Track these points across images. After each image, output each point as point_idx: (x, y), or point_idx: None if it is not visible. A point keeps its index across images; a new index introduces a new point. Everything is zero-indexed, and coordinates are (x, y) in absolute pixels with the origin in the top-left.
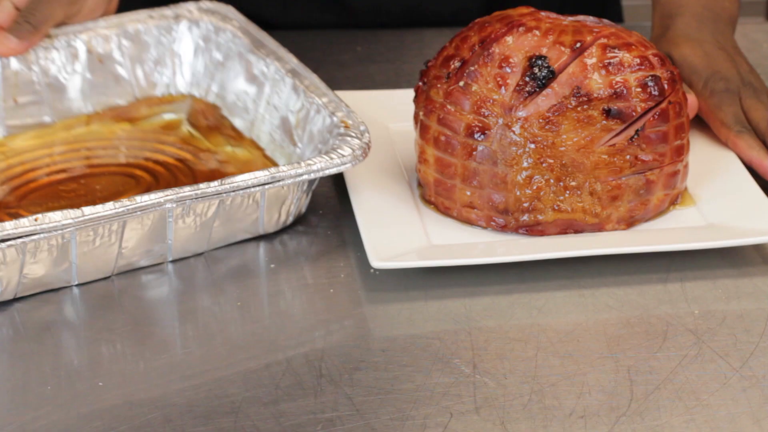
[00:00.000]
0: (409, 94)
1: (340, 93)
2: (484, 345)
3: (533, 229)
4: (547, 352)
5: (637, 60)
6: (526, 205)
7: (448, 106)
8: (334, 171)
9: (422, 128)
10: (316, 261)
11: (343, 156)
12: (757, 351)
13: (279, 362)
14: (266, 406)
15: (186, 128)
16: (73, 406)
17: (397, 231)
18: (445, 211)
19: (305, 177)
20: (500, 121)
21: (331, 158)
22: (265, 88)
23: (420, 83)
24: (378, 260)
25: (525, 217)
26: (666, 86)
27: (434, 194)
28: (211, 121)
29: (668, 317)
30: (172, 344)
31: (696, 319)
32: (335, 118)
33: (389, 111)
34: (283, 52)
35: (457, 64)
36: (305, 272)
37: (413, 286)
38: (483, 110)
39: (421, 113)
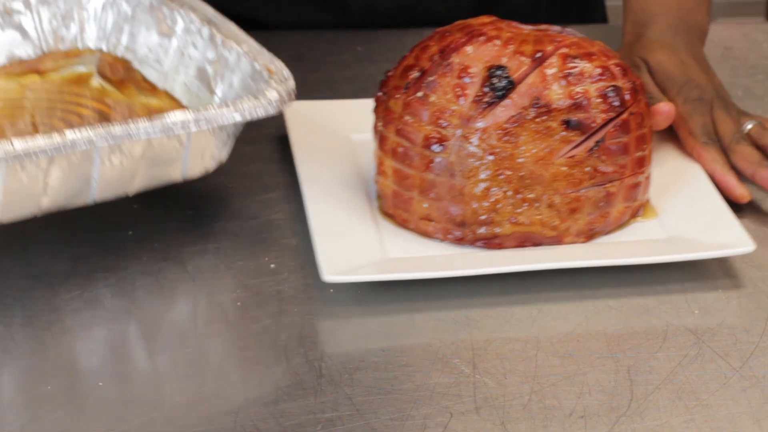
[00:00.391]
0: (373, 103)
1: (301, 102)
2: (484, 345)
3: (491, 242)
4: (547, 352)
5: (598, 70)
6: (483, 217)
7: (407, 117)
8: (262, 114)
9: (381, 139)
10: (315, 262)
11: (270, 101)
12: (757, 351)
13: (279, 362)
14: (266, 406)
15: (97, 81)
16: (73, 406)
17: (353, 244)
18: (403, 224)
19: (234, 118)
20: (458, 132)
21: (258, 100)
22: (179, 40)
23: (380, 93)
24: (330, 274)
25: (482, 230)
26: (627, 97)
27: (392, 206)
28: (122, 74)
29: (668, 317)
30: (172, 344)
31: (696, 319)
32: (257, 65)
33: (352, 121)
34: (197, 2)
35: (416, 74)
36: (305, 272)
37: (413, 285)
38: (441, 121)
39: (379, 124)
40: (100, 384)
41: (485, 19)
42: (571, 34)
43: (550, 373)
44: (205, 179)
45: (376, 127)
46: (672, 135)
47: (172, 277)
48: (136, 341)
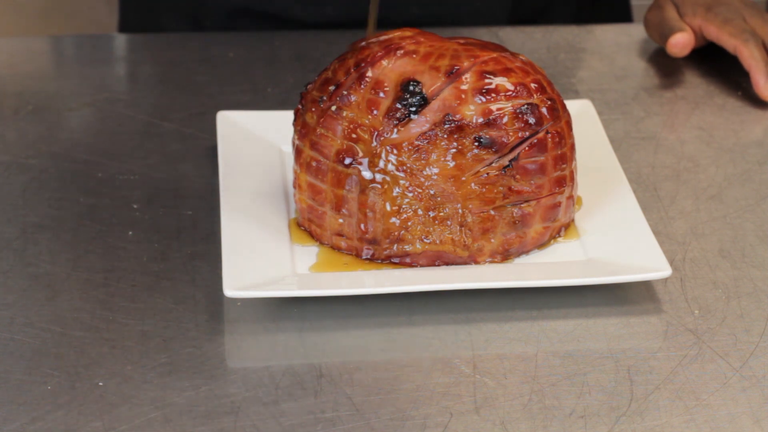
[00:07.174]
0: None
1: (233, 113)
2: (484, 345)
3: (402, 261)
4: (547, 352)
5: (514, 87)
6: (394, 235)
7: (320, 131)
8: None
9: (297, 152)
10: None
11: None
12: (757, 351)
13: (279, 362)
14: (266, 406)
15: None
16: (73, 406)
17: (262, 258)
18: (317, 239)
19: None
20: (370, 147)
21: None
22: None
23: (299, 106)
24: (231, 289)
25: (393, 248)
26: (545, 115)
27: (307, 221)
28: None
29: (668, 317)
30: (172, 344)
31: (696, 319)
32: None
33: (284, 133)
34: None
35: (332, 88)
36: None
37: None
38: (354, 136)
39: (296, 137)
40: (100, 384)
41: (407, 32)
42: (494, 49)
43: (550, 373)
44: (205, 180)
45: (293, 140)
46: (602, 153)
47: (171, 277)
48: (136, 341)
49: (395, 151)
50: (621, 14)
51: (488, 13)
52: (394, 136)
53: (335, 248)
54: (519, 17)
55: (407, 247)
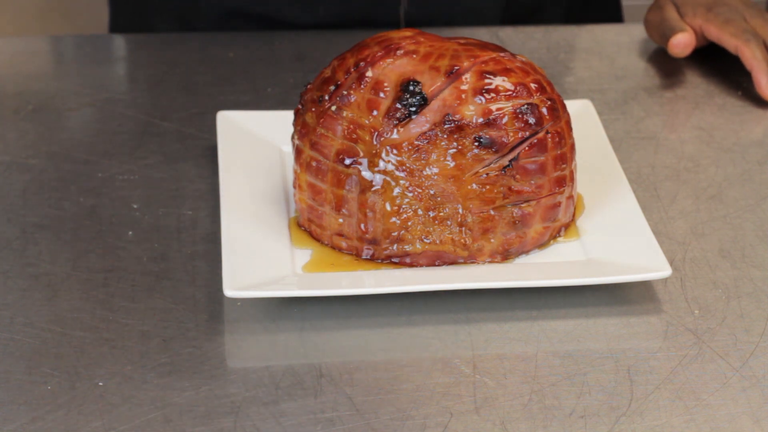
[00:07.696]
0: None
1: (233, 112)
2: (484, 345)
3: (402, 260)
4: (547, 352)
5: (514, 87)
6: (394, 235)
7: (320, 131)
8: None
9: (297, 152)
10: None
11: None
12: (757, 351)
13: (279, 362)
14: (266, 406)
15: None
16: (73, 406)
17: (262, 258)
18: (317, 238)
19: None
20: (370, 147)
21: None
22: None
23: (299, 106)
24: (231, 289)
25: (393, 248)
26: (545, 115)
27: (307, 221)
28: None
29: (668, 317)
30: (172, 344)
31: (696, 319)
32: None
33: (284, 133)
34: None
35: (332, 87)
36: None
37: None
38: (354, 136)
39: (295, 137)
40: (100, 384)
41: (407, 32)
42: (495, 49)
43: (550, 373)
44: (205, 180)
45: (293, 140)
46: (602, 153)
47: (171, 277)
48: (136, 341)
49: (395, 151)
50: (612, 14)
51: (481, 12)
52: (394, 136)
53: (335, 248)
54: (512, 16)
55: (407, 247)
